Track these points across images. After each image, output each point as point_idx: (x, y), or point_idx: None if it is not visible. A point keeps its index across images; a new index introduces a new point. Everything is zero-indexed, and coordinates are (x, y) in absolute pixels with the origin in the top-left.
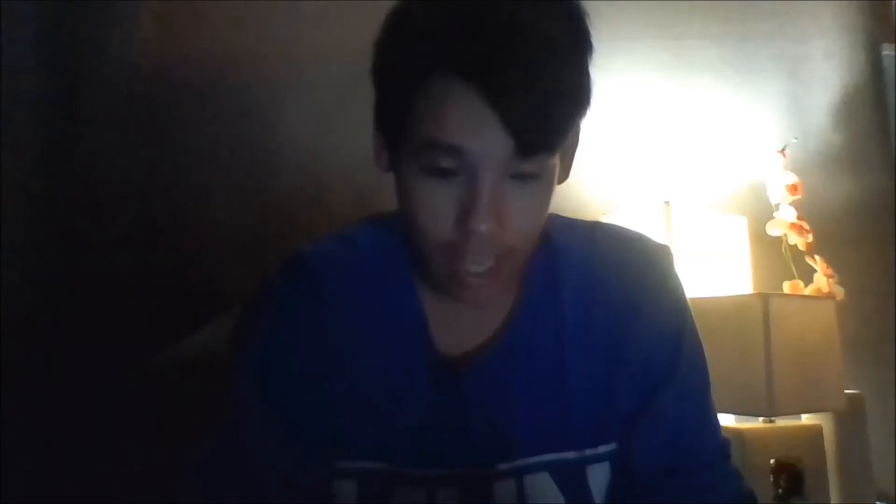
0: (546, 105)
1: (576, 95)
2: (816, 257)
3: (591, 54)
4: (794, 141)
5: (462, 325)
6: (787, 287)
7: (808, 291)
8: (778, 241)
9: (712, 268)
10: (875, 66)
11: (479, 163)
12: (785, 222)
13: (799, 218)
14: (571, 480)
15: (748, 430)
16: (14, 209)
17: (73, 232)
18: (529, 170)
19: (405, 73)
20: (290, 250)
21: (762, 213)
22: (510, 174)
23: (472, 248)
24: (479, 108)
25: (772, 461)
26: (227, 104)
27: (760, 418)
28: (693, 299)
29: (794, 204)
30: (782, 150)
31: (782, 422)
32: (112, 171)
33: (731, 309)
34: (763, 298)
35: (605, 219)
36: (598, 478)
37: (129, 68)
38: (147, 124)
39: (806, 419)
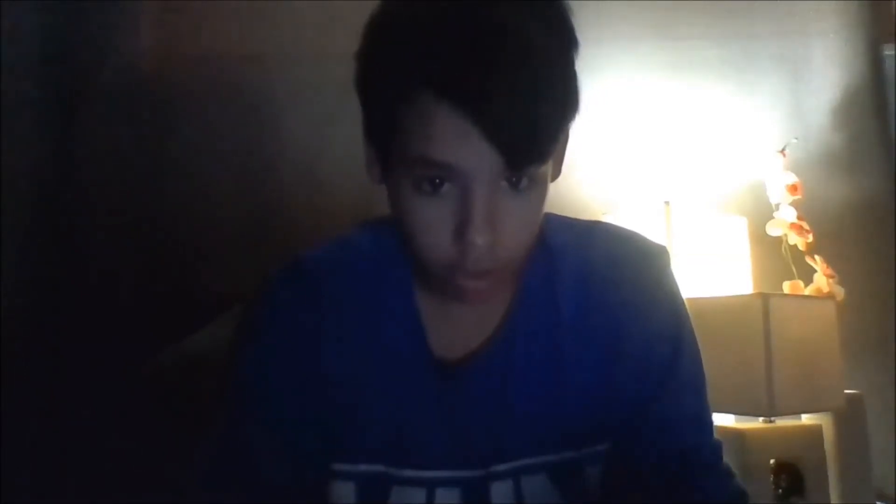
0: (533, 117)
1: (564, 100)
2: (816, 257)
3: (576, 52)
4: (794, 141)
5: (459, 328)
6: (787, 287)
7: (808, 291)
8: (778, 241)
9: (712, 268)
10: (875, 66)
11: (471, 177)
12: (785, 222)
13: (799, 218)
14: (569, 480)
15: (748, 430)
16: (14, 209)
17: (74, 232)
18: (525, 178)
19: (388, 89)
20: (289, 255)
21: (762, 213)
22: (505, 182)
23: (471, 260)
24: (465, 124)
25: (772, 461)
26: (227, 104)
27: (760, 418)
28: (693, 299)
29: (794, 204)
30: (782, 150)
31: (782, 422)
32: (111, 171)
33: (731, 309)
34: (763, 298)
35: (605, 219)
36: (596, 477)
37: (129, 68)
38: (147, 124)
39: (806, 419)
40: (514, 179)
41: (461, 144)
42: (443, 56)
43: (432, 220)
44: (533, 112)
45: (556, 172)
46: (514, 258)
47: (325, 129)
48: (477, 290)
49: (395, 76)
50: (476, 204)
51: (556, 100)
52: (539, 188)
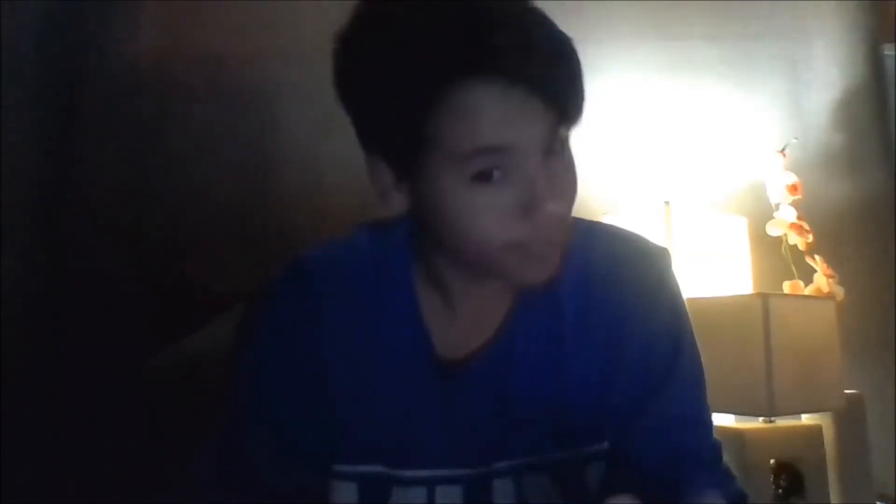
0: (568, 65)
1: (574, 51)
2: (816, 257)
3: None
4: (794, 141)
5: (461, 328)
6: (787, 287)
7: (808, 291)
8: (778, 241)
9: (712, 268)
10: (875, 66)
11: (525, 151)
12: (785, 222)
13: (799, 218)
14: (570, 478)
15: (748, 430)
16: (14, 209)
17: (73, 232)
18: (559, 141)
19: (414, 95)
20: (290, 256)
21: (762, 213)
22: (546, 152)
23: (544, 232)
24: (510, 100)
25: (772, 461)
26: (226, 104)
27: (760, 418)
28: (693, 299)
29: (794, 204)
30: (782, 150)
31: (782, 422)
32: (112, 170)
33: (731, 309)
34: (763, 298)
35: (605, 219)
36: (596, 476)
37: (129, 68)
38: (147, 124)
39: (806, 419)
40: (551, 146)
41: (512, 121)
42: (473, 40)
43: (492, 207)
44: (566, 61)
45: None
46: (568, 218)
47: (325, 129)
48: (544, 262)
49: (424, 77)
50: (537, 178)
51: (571, 48)
52: (570, 148)
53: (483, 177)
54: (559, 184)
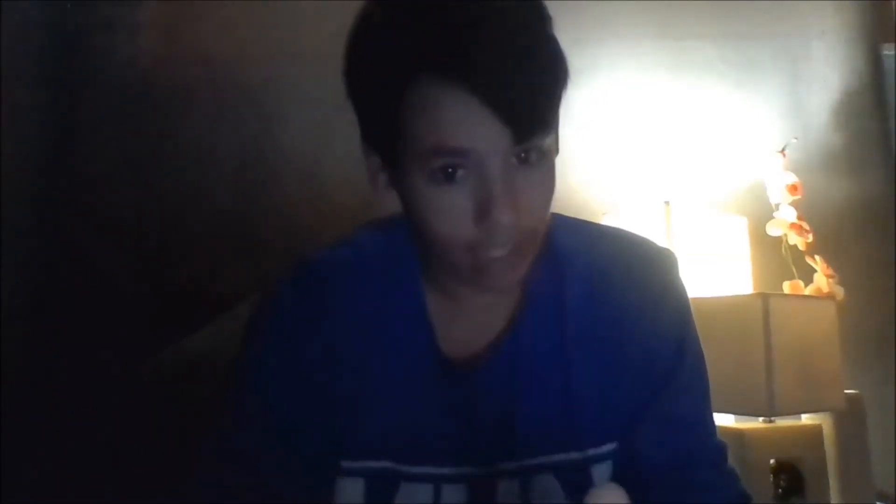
0: (532, 86)
1: (554, 68)
2: (816, 257)
3: (551, 25)
4: (794, 141)
5: (467, 328)
6: (787, 287)
7: (808, 291)
8: (778, 241)
9: (712, 268)
10: (875, 66)
11: (485, 158)
12: (785, 222)
13: (799, 218)
14: (575, 480)
15: (748, 430)
16: (14, 210)
17: (73, 232)
18: (531, 151)
19: (389, 83)
20: (295, 257)
21: (762, 213)
22: (515, 159)
23: (496, 240)
24: (472, 105)
25: (772, 461)
26: (227, 104)
27: (760, 418)
28: (693, 299)
29: (794, 204)
30: (782, 150)
31: (782, 422)
32: (112, 172)
33: (731, 309)
34: (763, 298)
35: (605, 219)
36: (602, 477)
37: (129, 69)
38: (147, 125)
39: (806, 419)
40: (523, 155)
41: (470, 127)
42: (433, 40)
43: (452, 208)
44: (531, 79)
45: (556, 147)
46: (536, 230)
47: (325, 129)
48: (501, 271)
49: (395, 68)
50: (495, 184)
51: (548, 67)
52: (548, 160)
53: (445, 175)
54: (524, 194)
